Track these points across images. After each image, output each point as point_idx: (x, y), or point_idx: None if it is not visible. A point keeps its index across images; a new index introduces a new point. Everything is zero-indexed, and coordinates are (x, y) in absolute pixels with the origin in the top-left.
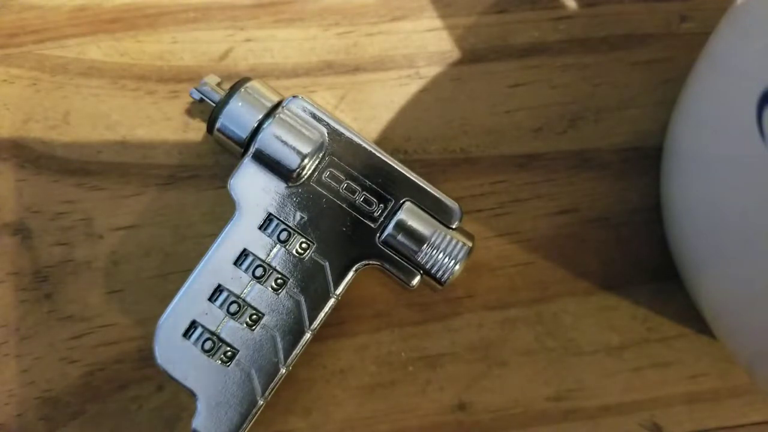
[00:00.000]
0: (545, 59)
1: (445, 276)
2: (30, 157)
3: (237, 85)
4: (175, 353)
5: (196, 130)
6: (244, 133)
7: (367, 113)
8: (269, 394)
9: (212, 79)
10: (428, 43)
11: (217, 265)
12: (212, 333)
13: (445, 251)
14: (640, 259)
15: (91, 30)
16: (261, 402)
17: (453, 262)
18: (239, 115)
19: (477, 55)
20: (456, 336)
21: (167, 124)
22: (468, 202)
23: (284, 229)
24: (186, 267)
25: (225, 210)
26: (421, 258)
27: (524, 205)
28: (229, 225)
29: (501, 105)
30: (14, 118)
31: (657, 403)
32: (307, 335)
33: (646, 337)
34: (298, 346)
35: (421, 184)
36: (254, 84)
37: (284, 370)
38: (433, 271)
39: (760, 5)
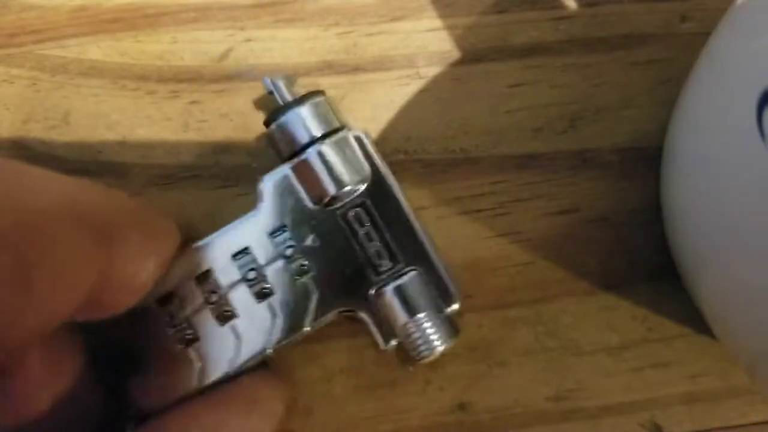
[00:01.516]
0: (545, 59)
1: (419, 356)
2: (30, 157)
3: (310, 94)
4: (143, 318)
5: (196, 130)
6: (298, 140)
7: (367, 113)
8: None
9: (287, 80)
10: (428, 43)
11: (215, 250)
12: (183, 314)
13: (428, 334)
14: (641, 259)
15: (91, 30)
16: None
17: (430, 347)
18: (301, 123)
19: (477, 55)
20: None
21: (167, 124)
22: (468, 202)
23: (292, 246)
24: None
25: (225, 210)
26: (404, 330)
27: (524, 205)
28: (244, 218)
29: (501, 105)
30: (14, 118)
31: (657, 403)
32: (267, 352)
33: (646, 337)
34: (254, 359)
35: (434, 258)
36: (325, 101)
37: (224, 375)
38: (408, 346)
39: (761, 5)
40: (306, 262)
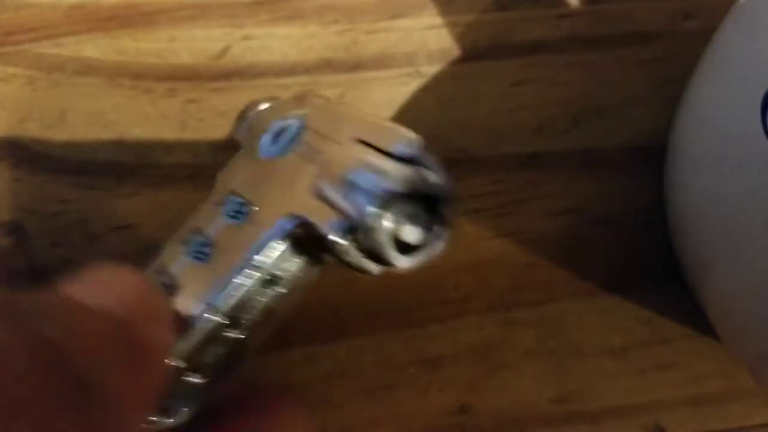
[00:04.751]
0: (548, 57)
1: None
2: (26, 156)
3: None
4: None
5: (194, 129)
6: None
7: (367, 112)
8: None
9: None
10: (429, 40)
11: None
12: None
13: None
14: (644, 260)
15: (88, 28)
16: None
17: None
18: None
19: (478, 53)
20: (457, 338)
21: (164, 122)
22: (469, 201)
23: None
24: None
25: None
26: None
27: (526, 205)
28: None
29: (503, 103)
30: (10, 117)
31: (660, 405)
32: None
33: (650, 339)
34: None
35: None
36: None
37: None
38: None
39: (765, 3)
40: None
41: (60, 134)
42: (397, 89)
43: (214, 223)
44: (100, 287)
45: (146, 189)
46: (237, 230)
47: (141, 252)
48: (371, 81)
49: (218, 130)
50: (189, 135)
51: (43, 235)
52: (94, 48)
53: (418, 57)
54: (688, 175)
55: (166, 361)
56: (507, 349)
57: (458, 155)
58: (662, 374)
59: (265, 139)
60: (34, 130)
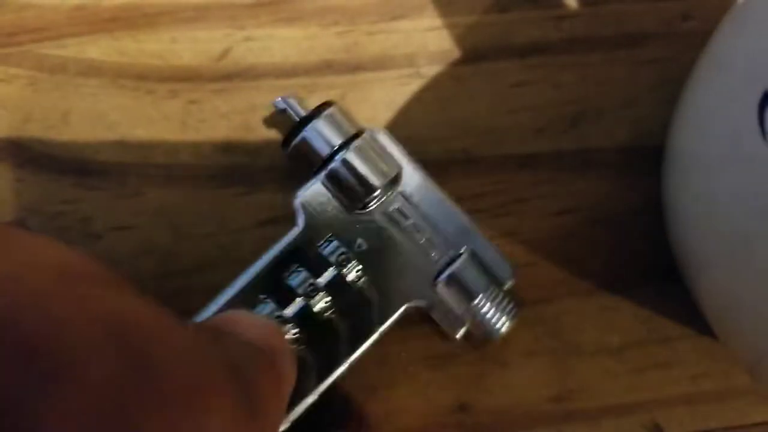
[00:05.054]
0: (547, 58)
1: (490, 336)
2: (28, 157)
3: (322, 106)
4: None
5: (195, 130)
6: (322, 153)
7: (367, 113)
8: (293, 419)
9: (294, 96)
10: (429, 42)
11: (267, 275)
12: None
13: (495, 309)
14: (642, 260)
15: (90, 29)
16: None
17: (502, 320)
18: (321, 135)
19: (478, 55)
20: None
21: (166, 123)
22: (469, 202)
23: (343, 253)
24: (186, 267)
25: (224, 210)
26: (471, 311)
27: (526, 205)
28: (288, 237)
29: (502, 104)
30: (13, 118)
31: (658, 403)
32: (344, 366)
33: (648, 338)
34: (332, 377)
35: (483, 237)
36: (338, 109)
37: (311, 399)
38: (478, 328)
39: (762, 4)
40: (360, 267)
41: (62, 135)
42: (397, 90)
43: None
44: (249, 324)
45: (148, 189)
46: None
47: (142, 252)
48: (371, 82)
49: (219, 131)
50: (190, 136)
51: (45, 235)
52: (96, 49)
53: (418, 58)
54: (686, 175)
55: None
56: (506, 348)
57: (458, 155)
58: (660, 373)
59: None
60: (36, 130)
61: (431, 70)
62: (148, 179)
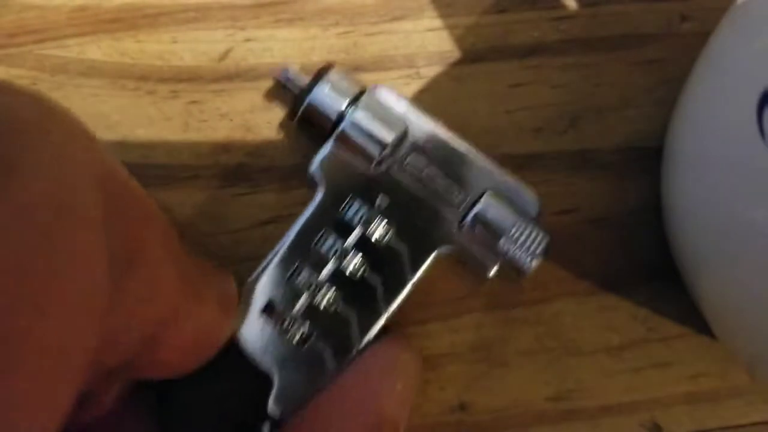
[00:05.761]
0: (545, 59)
1: (526, 266)
2: None
3: (322, 71)
4: (252, 333)
5: (196, 130)
6: (329, 117)
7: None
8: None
9: (294, 67)
10: (428, 42)
11: (298, 245)
12: (289, 313)
13: (525, 243)
14: (641, 259)
15: (91, 30)
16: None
17: (533, 253)
18: (326, 100)
19: (477, 55)
20: (456, 336)
21: (167, 124)
22: None
23: (366, 213)
24: None
25: (224, 210)
26: (501, 249)
27: None
28: (312, 206)
29: (501, 105)
30: None
31: (657, 403)
32: (383, 319)
33: (647, 337)
34: (373, 330)
35: (502, 173)
36: (338, 71)
37: (356, 354)
38: (513, 262)
39: (761, 5)
40: (385, 223)
41: None
42: (397, 90)
43: None
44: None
45: (149, 190)
46: None
47: None
48: (371, 82)
49: (220, 131)
50: (192, 136)
51: None
52: (97, 50)
53: (418, 59)
54: (685, 175)
55: None
56: (505, 347)
57: None
58: (659, 372)
59: None
60: None
61: (431, 71)
62: (149, 179)
